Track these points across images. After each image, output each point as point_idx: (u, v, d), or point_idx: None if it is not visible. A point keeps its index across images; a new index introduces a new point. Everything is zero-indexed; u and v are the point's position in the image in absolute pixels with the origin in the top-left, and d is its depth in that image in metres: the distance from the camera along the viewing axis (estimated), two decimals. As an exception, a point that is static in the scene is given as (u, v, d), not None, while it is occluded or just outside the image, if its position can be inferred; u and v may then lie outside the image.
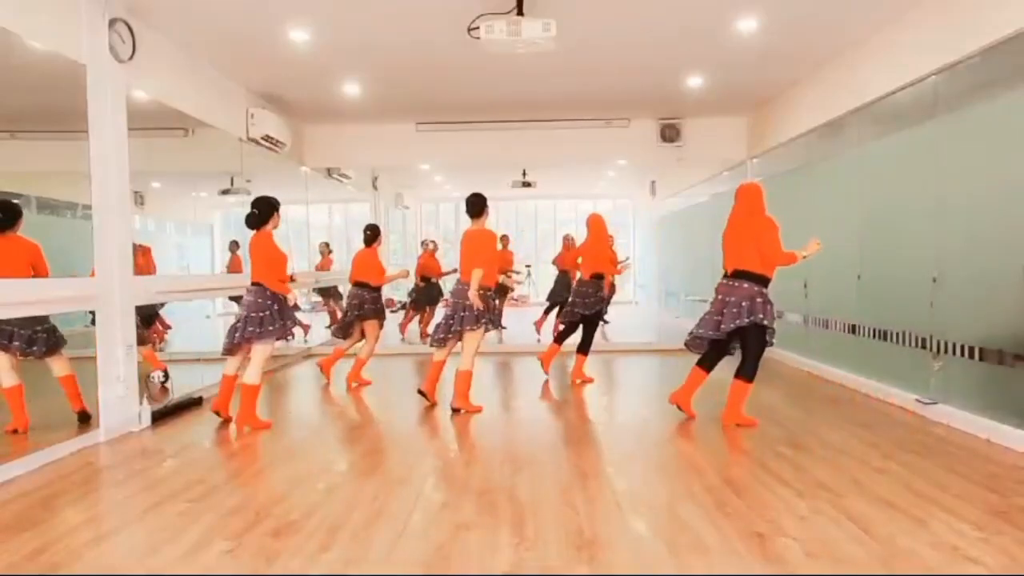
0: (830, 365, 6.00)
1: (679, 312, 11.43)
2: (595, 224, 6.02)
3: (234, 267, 6.98)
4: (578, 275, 6.13)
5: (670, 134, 8.32)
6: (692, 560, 2.43)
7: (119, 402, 4.41)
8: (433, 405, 5.03)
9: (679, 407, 4.55)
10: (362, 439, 4.35)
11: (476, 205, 4.95)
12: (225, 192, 6.81)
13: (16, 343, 4.04)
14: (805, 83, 6.72)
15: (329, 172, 9.24)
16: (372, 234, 6.19)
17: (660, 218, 13.11)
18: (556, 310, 9.27)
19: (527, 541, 2.61)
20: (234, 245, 7.17)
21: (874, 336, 5.31)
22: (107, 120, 4.39)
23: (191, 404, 5.23)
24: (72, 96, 4.17)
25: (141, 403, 4.62)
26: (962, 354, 4.27)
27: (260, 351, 4.56)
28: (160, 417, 4.75)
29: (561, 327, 6.43)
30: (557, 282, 9.53)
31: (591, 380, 6.01)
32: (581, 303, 5.93)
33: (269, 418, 4.75)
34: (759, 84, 6.97)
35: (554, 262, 10.08)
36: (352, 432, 4.58)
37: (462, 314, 4.79)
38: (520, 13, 4.52)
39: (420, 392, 5.08)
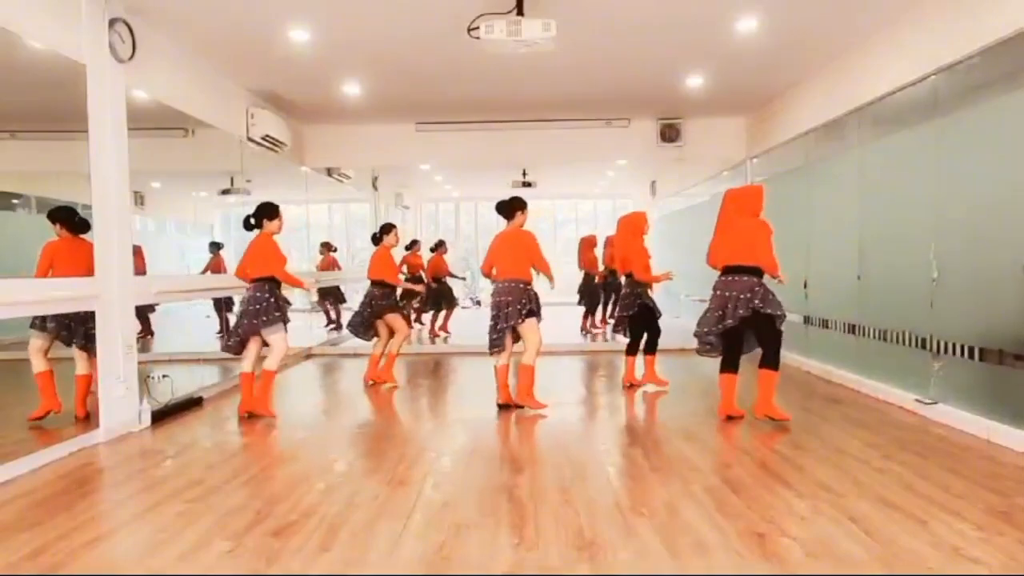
0: (830, 365, 6.00)
1: (679, 312, 11.43)
2: (620, 225, 5.97)
3: (216, 268, 6.93)
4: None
5: (670, 134, 8.32)
6: (692, 560, 2.43)
7: (119, 402, 4.41)
8: (512, 407, 4.94)
9: (730, 418, 4.49)
10: (363, 439, 4.35)
11: (508, 208, 5.17)
12: (225, 192, 6.80)
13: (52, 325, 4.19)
14: (805, 83, 6.72)
15: (329, 172, 9.24)
16: (382, 233, 6.22)
17: (660, 218, 13.10)
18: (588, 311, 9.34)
19: (527, 541, 2.61)
20: (215, 247, 7.10)
21: (874, 336, 5.31)
22: (107, 120, 4.39)
23: (191, 404, 5.24)
24: (72, 96, 4.17)
25: (141, 403, 4.62)
26: (962, 354, 4.27)
27: (277, 341, 4.76)
28: (160, 417, 4.76)
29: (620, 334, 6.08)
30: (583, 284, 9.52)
31: (640, 384, 5.81)
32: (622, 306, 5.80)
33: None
34: (759, 84, 6.97)
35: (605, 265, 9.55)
36: (353, 432, 4.59)
37: (506, 310, 4.80)
38: (520, 13, 4.52)
39: (500, 406, 4.98)
